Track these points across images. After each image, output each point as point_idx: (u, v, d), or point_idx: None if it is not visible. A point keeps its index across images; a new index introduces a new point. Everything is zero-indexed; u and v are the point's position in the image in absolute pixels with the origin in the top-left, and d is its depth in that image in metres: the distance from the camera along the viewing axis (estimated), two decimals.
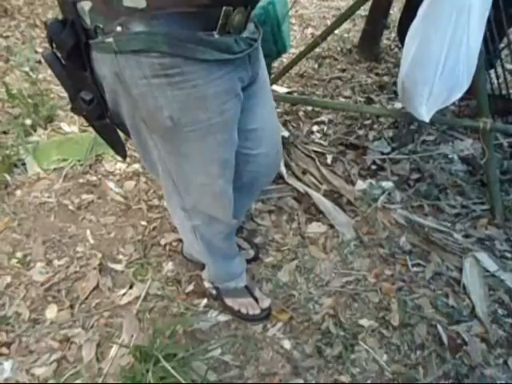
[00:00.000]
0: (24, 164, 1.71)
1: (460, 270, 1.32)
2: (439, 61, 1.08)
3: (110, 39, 0.60)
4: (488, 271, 1.32)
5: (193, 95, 0.67)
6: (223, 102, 0.71)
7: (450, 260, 1.36)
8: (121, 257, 1.38)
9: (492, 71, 1.57)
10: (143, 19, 0.59)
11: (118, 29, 0.59)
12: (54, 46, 0.65)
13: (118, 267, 1.34)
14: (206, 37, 0.62)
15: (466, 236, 1.43)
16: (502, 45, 1.46)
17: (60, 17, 0.64)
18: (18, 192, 1.60)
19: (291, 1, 3.10)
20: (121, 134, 0.82)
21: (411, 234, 1.45)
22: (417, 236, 1.44)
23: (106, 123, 0.77)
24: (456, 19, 0.93)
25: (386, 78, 2.38)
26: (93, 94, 0.70)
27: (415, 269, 1.34)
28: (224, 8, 0.60)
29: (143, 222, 1.50)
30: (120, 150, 0.86)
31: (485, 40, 1.15)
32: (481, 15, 0.94)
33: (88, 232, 1.46)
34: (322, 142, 1.88)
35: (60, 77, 0.69)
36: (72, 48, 0.64)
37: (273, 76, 1.84)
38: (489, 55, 1.28)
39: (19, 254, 1.37)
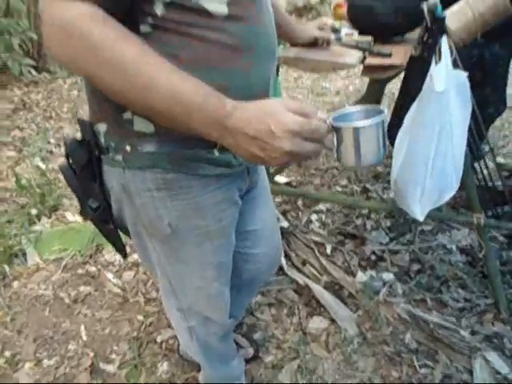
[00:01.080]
0: (25, 254, 1.71)
1: (470, 372, 1.25)
2: (428, 162, 1.15)
3: (119, 157, 0.66)
4: (499, 373, 1.25)
5: (191, 205, 0.70)
6: (221, 210, 0.75)
7: (458, 360, 1.29)
8: (114, 356, 1.32)
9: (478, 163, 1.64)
10: (151, 141, 0.64)
11: (128, 148, 0.65)
12: (70, 160, 0.71)
13: (110, 368, 1.28)
14: (207, 154, 0.66)
15: (473, 333, 1.38)
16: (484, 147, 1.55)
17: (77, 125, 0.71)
18: (15, 283, 1.59)
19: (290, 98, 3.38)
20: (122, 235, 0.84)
21: (416, 330, 1.40)
22: (422, 333, 1.39)
23: (110, 228, 0.80)
24: (439, 134, 1.02)
25: (379, 168, 2.49)
26: (99, 202, 0.74)
27: (423, 370, 1.27)
28: None
29: (140, 317, 1.46)
30: (120, 249, 0.88)
31: (468, 142, 1.23)
32: (462, 129, 1.03)
33: (82, 327, 1.41)
34: (320, 231, 1.91)
35: (72, 186, 0.74)
36: (86, 163, 0.69)
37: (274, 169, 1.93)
38: (473, 155, 1.36)
39: (7, 353, 1.31)
